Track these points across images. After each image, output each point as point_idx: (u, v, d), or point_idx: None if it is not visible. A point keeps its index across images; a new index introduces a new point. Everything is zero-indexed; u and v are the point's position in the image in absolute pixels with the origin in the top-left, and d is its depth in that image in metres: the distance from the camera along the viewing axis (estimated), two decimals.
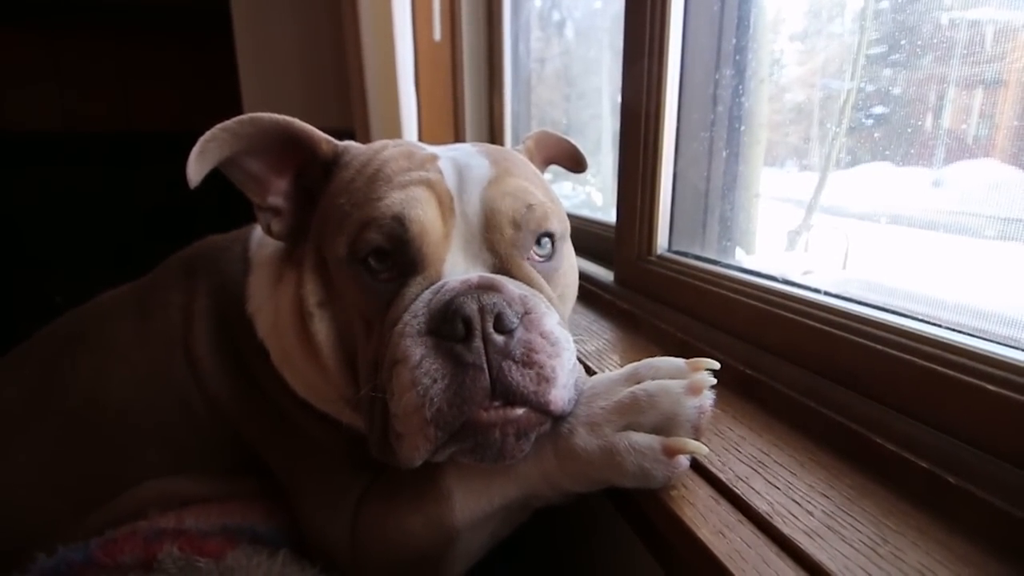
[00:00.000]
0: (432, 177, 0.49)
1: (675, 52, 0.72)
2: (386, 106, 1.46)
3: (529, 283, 0.48)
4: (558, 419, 0.45)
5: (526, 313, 0.43)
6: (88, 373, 0.63)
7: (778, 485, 0.42)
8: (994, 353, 0.39)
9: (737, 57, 0.73)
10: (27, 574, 0.54)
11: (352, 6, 1.47)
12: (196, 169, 0.50)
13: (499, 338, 0.42)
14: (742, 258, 0.76)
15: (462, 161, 0.52)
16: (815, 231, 0.71)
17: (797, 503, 0.40)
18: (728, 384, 0.56)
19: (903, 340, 0.44)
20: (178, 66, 2.75)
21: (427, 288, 0.46)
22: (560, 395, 0.43)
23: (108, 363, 0.63)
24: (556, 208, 0.53)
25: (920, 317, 0.46)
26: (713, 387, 0.45)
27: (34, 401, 0.64)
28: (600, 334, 0.74)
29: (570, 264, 0.57)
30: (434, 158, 0.52)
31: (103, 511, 0.61)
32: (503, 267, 0.49)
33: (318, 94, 2.06)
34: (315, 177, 0.56)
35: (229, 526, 0.58)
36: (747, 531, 0.38)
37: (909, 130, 0.56)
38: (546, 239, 0.52)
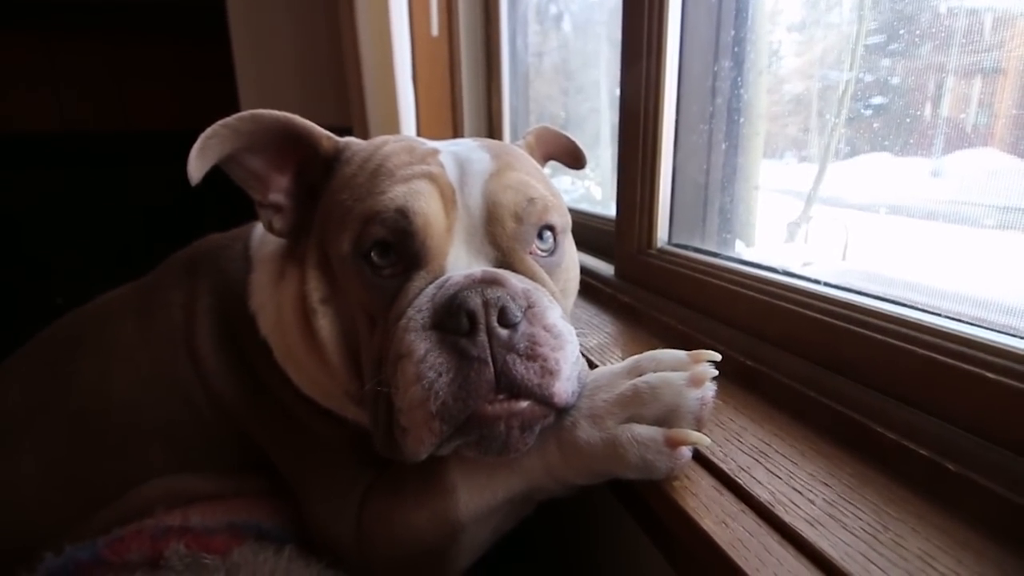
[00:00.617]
0: (434, 171, 0.49)
1: (673, 45, 0.72)
2: (384, 103, 1.46)
3: (532, 277, 0.48)
4: (562, 412, 0.45)
5: (529, 307, 0.44)
6: (91, 374, 0.63)
7: (779, 475, 0.42)
8: (993, 341, 0.39)
9: (735, 49, 0.73)
10: (35, 573, 0.54)
11: (349, 3, 1.46)
12: (197, 166, 0.50)
13: (503, 332, 0.42)
14: (742, 250, 0.76)
15: (463, 155, 0.52)
16: (815, 222, 0.71)
17: (798, 492, 0.40)
18: (729, 375, 0.56)
19: (903, 330, 0.44)
20: (174, 65, 2.74)
21: (431, 283, 0.46)
22: (564, 388, 0.44)
23: (111, 364, 0.63)
24: (557, 202, 0.53)
25: (920, 307, 0.47)
26: (714, 378, 0.45)
27: (38, 403, 0.64)
28: (601, 328, 0.75)
29: (571, 258, 0.57)
30: (435, 152, 0.52)
31: (109, 510, 0.61)
32: (506, 261, 0.49)
33: (316, 91, 2.06)
34: (316, 173, 0.56)
35: (235, 523, 0.59)
36: (749, 520, 0.39)
37: (908, 120, 0.56)
38: (548, 232, 0.52)
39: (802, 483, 0.41)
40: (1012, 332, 0.40)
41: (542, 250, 0.52)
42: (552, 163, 0.74)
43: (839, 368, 0.49)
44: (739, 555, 0.35)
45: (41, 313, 0.82)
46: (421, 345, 0.42)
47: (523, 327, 0.43)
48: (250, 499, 0.63)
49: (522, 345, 0.42)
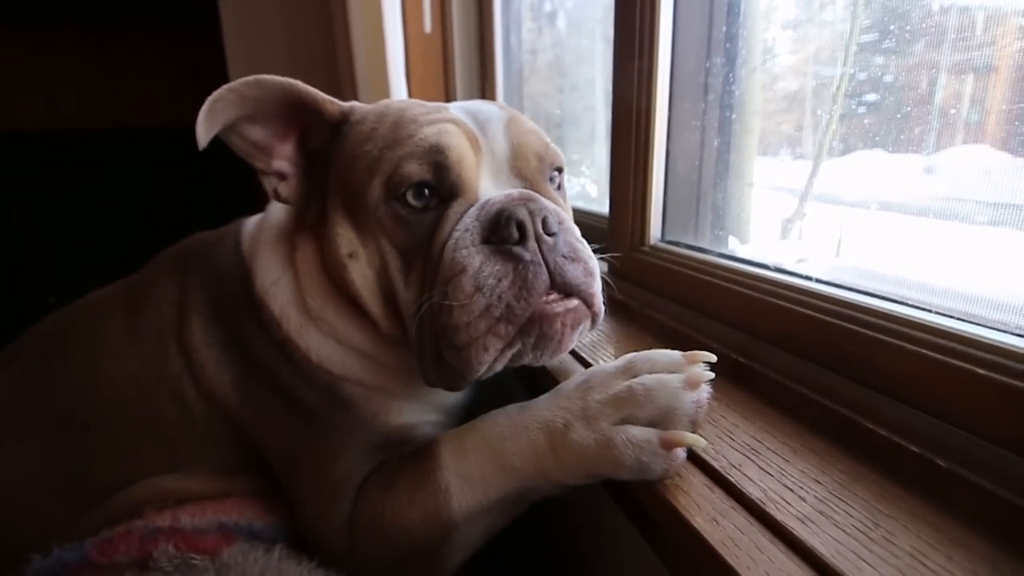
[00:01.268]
0: (455, 116, 0.53)
1: (666, 41, 0.72)
2: (377, 99, 1.44)
3: (554, 203, 0.52)
4: (594, 322, 0.51)
5: (559, 222, 0.49)
6: (79, 372, 0.63)
7: (771, 472, 0.42)
8: (984, 337, 0.39)
9: (728, 45, 0.72)
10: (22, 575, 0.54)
11: None
12: (205, 128, 0.52)
13: (549, 238, 0.47)
14: (736, 247, 0.76)
15: (472, 108, 0.57)
16: (809, 219, 0.71)
17: (790, 489, 0.40)
18: (721, 372, 0.56)
19: (894, 326, 0.44)
20: (166, 63, 2.72)
21: (469, 208, 0.50)
22: (599, 294, 0.49)
23: (99, 361, 0.62)
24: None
25: (911, 303, 0.47)
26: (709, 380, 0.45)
27: (25, 401, 0.64)
28: None
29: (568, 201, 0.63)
30: (444, 107, 0.56)
31: (98, 510, 0.61)
32: (532, 189, 0.53)
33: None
34: (322, 138, 0.58)
35: (225, 523, 0.58)
36: (740, 518, 0.38)
37: (900, 117, 0.56)
38: (556, 174, 0.59)
39: (793, 480, 0.41)
40: (1003, 328, 0.40)
41: (552, 189, 0.57)
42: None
43: (831, 365, 0.49)
44: (730, 553, 0.35)
45: (34, 313, 0.81)
46: (476, 258, 0.46)
47: (562, 235, 0.48)
48: (241, 499, 0.62)
49: (566, 250, 0.48)
